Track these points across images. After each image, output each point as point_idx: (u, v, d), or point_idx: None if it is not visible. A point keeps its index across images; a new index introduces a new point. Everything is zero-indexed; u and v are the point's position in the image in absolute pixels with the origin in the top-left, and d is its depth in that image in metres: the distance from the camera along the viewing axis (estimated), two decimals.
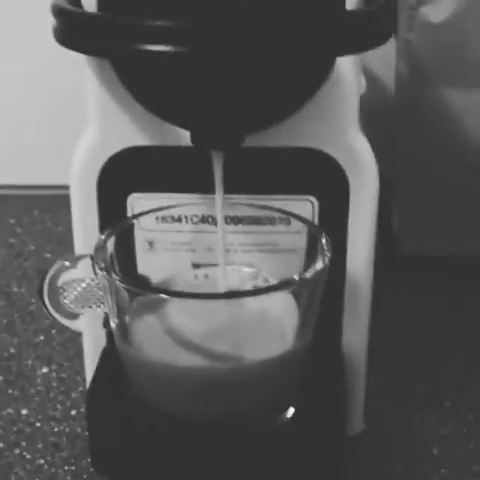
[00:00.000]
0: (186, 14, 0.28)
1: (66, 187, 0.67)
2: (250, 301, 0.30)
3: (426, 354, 0.45)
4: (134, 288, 0.30)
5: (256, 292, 0.30)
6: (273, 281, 0.34)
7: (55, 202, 0.66)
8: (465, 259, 0.54)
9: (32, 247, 0.59)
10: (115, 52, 0.28)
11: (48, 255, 0.57)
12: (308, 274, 0.30)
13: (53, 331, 0.47)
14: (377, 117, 0.52)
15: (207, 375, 0.30)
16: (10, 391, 0.42)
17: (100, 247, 0.31)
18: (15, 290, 0.53)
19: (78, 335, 0.46)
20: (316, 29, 0.26)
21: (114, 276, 0.30)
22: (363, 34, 0.28)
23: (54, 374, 0.44)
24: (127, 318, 0.31)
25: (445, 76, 0.50)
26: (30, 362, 0.45)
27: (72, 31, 0.29)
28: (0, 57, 0.66)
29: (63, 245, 0.59)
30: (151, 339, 0.31)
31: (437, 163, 0.52)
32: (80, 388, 0.42)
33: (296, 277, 0.30)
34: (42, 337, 0.47)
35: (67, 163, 0.69)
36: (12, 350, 0.46)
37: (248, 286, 0.34)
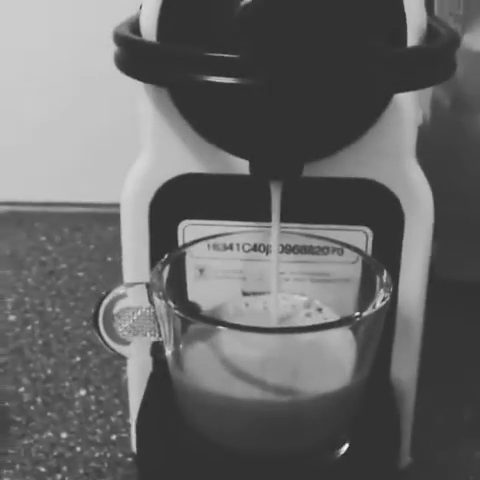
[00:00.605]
0: (248, 47, 0.28)
1: (95, 205, 0.68)
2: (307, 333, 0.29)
3: (468, 379, 0.45)
4: (193, 318, 0.29)
5: (313, 328, 0.30)
6: (326, 310, 0.34)
7: (85, 220, 0.66)
8: None
9: (64, 265, 0.59)
10: (175, 82, 0.28)
11: (81, 274, 0.57)
12: (368, 312, 0.29)
13: (89, 352, 0.47)
14: None
15: (261, 407, 0.30)
16: (49, 414, 0.42)
17: (157, 276, 0.31)
18: (49, 309, 0.52)
19: (114, 357, 0.45)
20: (376, 65, 0.26)
21: (172, 305, 0.29)
22: (423, 71, 0.28)
23: (92, 397, 0.43)
24: (182, 346, 0.31)
25: None
26: (68, 384, 0.44)
27: (133, 59, 0.29)
28: (46, 73, 0.66)
29: (95, 263, 0.59)
30: (205, 367, 0.31)
31: (474, 189, 0.52)
32: (119, 412, 0.42)
33: (356, 314, 0.29)
34: (78, 358, 0.47)
35: (97, 181, 0.70)
36: (49, 371, 0.46)
37: (301, 315, 0.34)
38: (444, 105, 0.51)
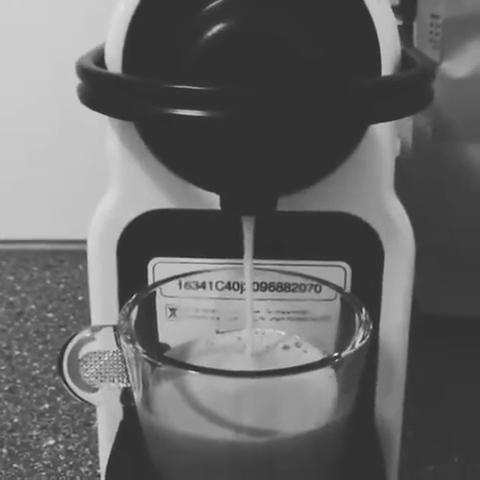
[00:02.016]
0: (216, 78, 0.27)
1: (65, 241, 0.66)
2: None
3: (450, 417, 0.43)
4: (163, 362, 0.28)
5: (290, 371, 0.28)
6: (304, 344, 0.32)
7: (54, 257, 0.64)
8: None
9: (33, 306, 0.57)
10: (141, 115, 0.27)
11: (50, 315, 0.55)
12: (347, 352, 0.28)
13: (58, 398, 0.45)
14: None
15: (236, 451, 0.28)
16: (15, 465, 0.40)
17: (125, 318, 0.29)
18: (16, 353, 0.50)
19: (84, 403, 0.43)
20: (348, 96, 0.25)
21: (141, 349, 0.28)
22: (397, 101, 0.26)
23: (61, 446, 0.41)
24: (151, 389, 0.29)
25: (465, 131, 0.50)
26: (35, 433, 0.42)
27: (97, 92, 0.28)
28: (19, 110, 0.65)
29: (65, 303, 0.57)
30: (176, 409, 0.29)
31: (456, 219, 0.51)
32: (90, 462, 0.40)
33: (335, 355, 0.28)
34: (47, 405, 0.45)
35: (67, 217, 0.67)
36: (15, 419, 0.43)
37: (278, 348, 0.32)
38: (426, 133, 0.51)
